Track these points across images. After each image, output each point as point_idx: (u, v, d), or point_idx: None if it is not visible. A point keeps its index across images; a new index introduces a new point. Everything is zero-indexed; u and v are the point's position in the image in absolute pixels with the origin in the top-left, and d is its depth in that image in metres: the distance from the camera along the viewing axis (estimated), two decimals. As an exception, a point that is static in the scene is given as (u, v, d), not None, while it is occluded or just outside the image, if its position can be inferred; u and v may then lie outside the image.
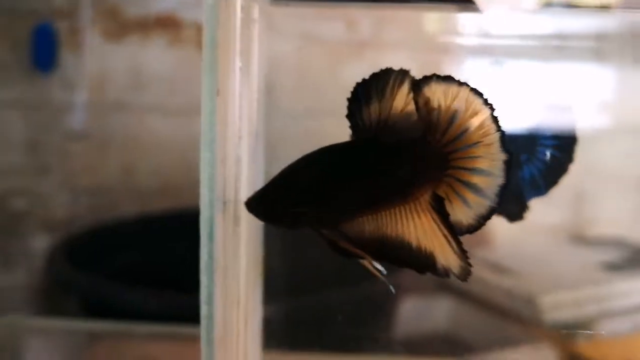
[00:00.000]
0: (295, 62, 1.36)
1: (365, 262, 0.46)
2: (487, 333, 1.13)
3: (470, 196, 0.43)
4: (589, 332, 1.08)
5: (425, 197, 0.43)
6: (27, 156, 1.38)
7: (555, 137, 0.57)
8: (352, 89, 0.44)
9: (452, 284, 1.25)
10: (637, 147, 1.32)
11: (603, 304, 1.12)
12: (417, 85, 0.42)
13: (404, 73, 0.43)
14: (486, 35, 0.73)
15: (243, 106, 0.54)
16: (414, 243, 0.43)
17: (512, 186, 0.52)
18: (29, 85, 1.38)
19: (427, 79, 0.42)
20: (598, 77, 1.20)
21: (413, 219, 0.43)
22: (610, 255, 1.25)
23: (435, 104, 0.42)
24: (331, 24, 1.37)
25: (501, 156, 0.41)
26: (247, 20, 0.55)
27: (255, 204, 0.48)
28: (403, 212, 0.44)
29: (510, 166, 0.41)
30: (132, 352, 0.84)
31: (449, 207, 0.43)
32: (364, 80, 0.44)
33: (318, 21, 1.35)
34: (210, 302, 0.46)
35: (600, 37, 0.78)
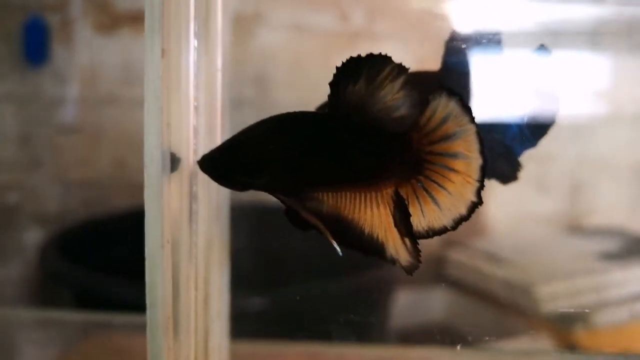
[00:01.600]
0: (288, 53, 1.36)
1: (327, 236, 0.44)
2: (484, 323, 1.13)
3: (429, 208, 0.43)
4: (586, 322, 1.08)
5: (389, 191, 0.43)
6: (19, 150, 1.37)
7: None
8: (346, 60, 0.42)
9: (448, 275, 1.25)
10: (633, 136, 1.32)
11: (600, 293, 1.12)
12: (438, 94, 0.41)
13: (401, 69, 0.42)
14: (481, 23, 0.72)
15: (200, 74, 0.51)
16: (367, 229, 0.43)
17: (499, 147, 0.51)
18: (20, 79, 1.37)
19: (451, 94, 0.41)
20: (594, 66, 1.20)
21: (372, 207, 0.43)
22: (607, 244, 1.25)
23: (438, 115, 0.41)
24: (324, 15, 1.36)
25: (474, 196, 0.42)
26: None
27: (210, 163, 0.45)
28: (363, 198, 0.43)
29: (477, 206, 0.42)
30: (124, 343, 0.84)
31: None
32: (359, 56, 0.42)
33: (310, 12, 1.35)
34: (154, 287, 0.43)
35: (596, 26, 0.77)
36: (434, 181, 0.42)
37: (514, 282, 1.13)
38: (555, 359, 0.91)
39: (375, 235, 0.43)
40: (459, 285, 1.22)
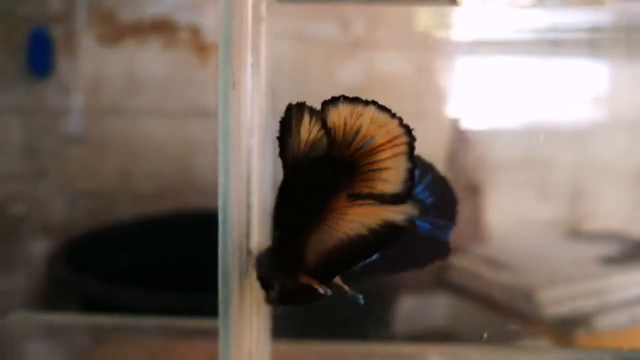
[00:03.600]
0: (290, 62, 1.37)
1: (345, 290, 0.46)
2: (485, 328, 1.14)
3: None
4: (587, 326, 1.09)
5: (343, 201, 0.44)
6: (24, 161, 1.39)
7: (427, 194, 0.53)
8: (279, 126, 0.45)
9: (450, 280, 1.25)
10: (632, 140, 1.32)
11: (601, 297, 1.12)
12: (326, 106, 0.44)
13: (299, 105, 0.45)
14: (480, 32, 0.73)
15: (254, 100, 0.55)
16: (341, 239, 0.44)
17: (422, 235, 0.52)
18: (25, 90, 1.38)
19: (335, 100, 0.43)
20: (593, 72, 1.21)
21: (339, 226, 0.44)
22: (607, 249, 1.25)
23: (342, 120, 0.43)
24: (325, 23, 1.37)
25: (406, 164, 0.42)
26: (257, 18, 0.57)
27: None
28: (331, 224, 0.44)
29: (413, 176, 0.43)
30: (139, 348, 0.84)
31: None
32: (285, 115, 0.45)
33: (312, 21, 1.36)
34: (226, 284, 0.46)
35: (594, 31, 0.78)
36: (370, 178, 0.43)
37: (515, 287, 1.14)
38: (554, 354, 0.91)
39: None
40: (460, 291, 1.22)
